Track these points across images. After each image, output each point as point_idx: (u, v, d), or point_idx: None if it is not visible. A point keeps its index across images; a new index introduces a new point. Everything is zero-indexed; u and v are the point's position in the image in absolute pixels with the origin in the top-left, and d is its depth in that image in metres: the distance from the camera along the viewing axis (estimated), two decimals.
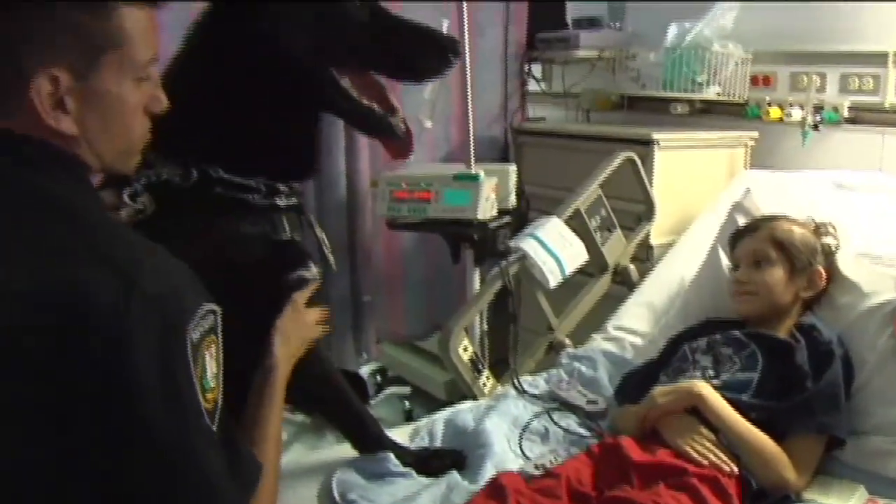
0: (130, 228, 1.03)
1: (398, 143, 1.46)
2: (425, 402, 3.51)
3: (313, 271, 1.38)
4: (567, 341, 2.30)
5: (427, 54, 1.41)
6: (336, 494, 1.60)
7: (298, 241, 1.41)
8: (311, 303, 1.36)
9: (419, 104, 2.49)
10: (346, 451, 1.72)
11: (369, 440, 1.68)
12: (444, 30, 2.52)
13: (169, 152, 1.25)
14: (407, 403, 3.49)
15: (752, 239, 1.92)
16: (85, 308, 0.89)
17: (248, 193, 1.32)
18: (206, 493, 0.96)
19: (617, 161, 2.43)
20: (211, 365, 0.98)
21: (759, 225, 1.96)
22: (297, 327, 1.31)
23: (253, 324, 1.22)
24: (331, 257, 1.50)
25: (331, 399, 1.62)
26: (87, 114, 1.02)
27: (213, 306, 0.99)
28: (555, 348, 2.30)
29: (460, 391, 3.42)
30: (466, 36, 2.50)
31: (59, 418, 0.90)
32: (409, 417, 3.46)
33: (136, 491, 0.94)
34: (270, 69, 1.30)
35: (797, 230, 1.92)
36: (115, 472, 0.92)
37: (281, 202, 1.37)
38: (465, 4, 2.48)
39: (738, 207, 2.18)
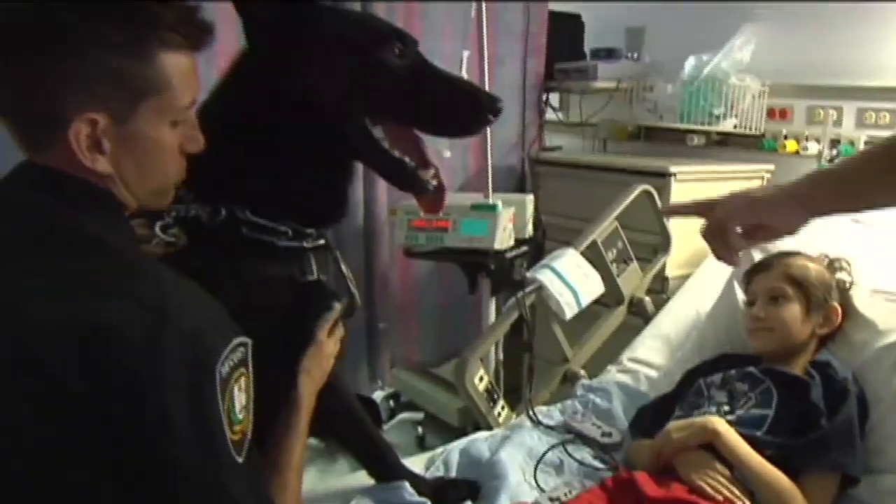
0: (163, 264, 1.03)
1: (429, 197, 1.41)
2: (438, 428, 3.51)
3: (337, 310, 1.37)
4: (582, 372, 2.31)
5: (465, 112, 1.35)
6: None
7: (324, 279, 1.39)
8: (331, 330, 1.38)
9: None
10: (361, 478, 1.73)
11: (386, 469, 1.69)
12: (465, 61, 2.56)
13: (199, 189, 1.25)
14: (420, 429, 3.49)
15: (768, 275, 1.93)
16: (115, 343, 0.90)
17: (274, 236, 1.31)
18: None
19: (634, 193, 2.44)
20: (240, 398, 0.99)
21: (774, 261, 1.96)
22: (319, 361, 1.33)
23: (277, 362, 1.22)
24: (356, 293, 1.49)
25: (348, 428, 1.63)
26: (123, 154, 1.03)
27: (243, 339, 1.00)
28: (569, 379, 2.31)
29: (473, 418, 3.44)
30: (486, 67, 2.53)
31: (85, 453, 0.91)
32: (421, 443, 3.47)
33: None
34: (302, 116, 1.29)
35: (812, 266, 1.93)
36: None
37: (308, 244, 1.36)
38: (485, 36, 2.51)
39: None
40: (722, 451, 1.67)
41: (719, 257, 1.46)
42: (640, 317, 2.47)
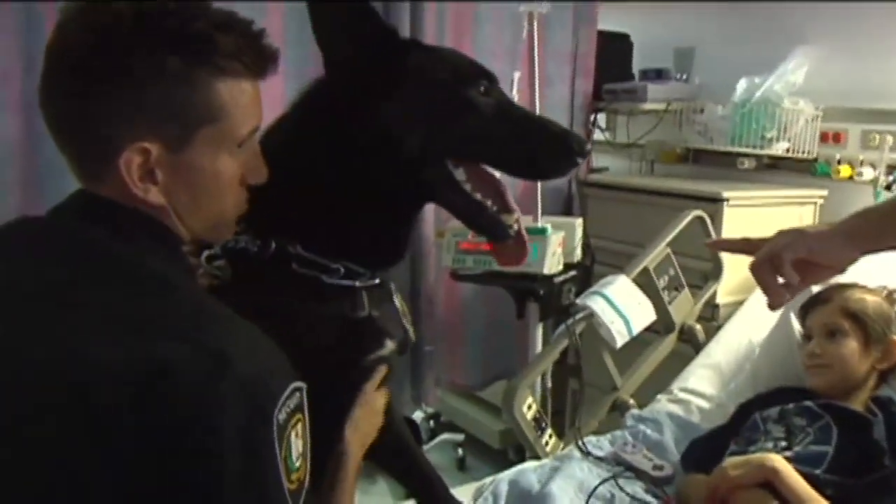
0: (221, 303, 1.00)
1: (509, 248, 1.34)
2: (478, 449, 3.49)
3: (389, 348, 1.32)
4: (631, 401, 2.27)
5: (551, 154, 1.28)
6: None
7: (376, 316, 1.32)
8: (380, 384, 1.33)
9: None
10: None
11: (435, 500, 1.67)
12: (516, 82, 2.54)
13: (250, 220, 1.19)
14: (460, 451, 3.47)
15: (824, 310, 1.89)
16: (173, 387, 0.87)
17: (325, 273, 1.25)
18: None
19: (687, 219, 2.41)
20: (297, 444, 0.96)
21: (831, 295, 1.92)
22: (368, 415, 1.29)
23: (327, 404, 1.15)
24: (411, 329, 1.45)
25: (399, 457, 1.61)
26: (178, 186, 1.00)
27: (300, 383, 0.97)
28: (618, 408, 2.27)
29: (514, 440, 3.43)
30: (537, 88, 2.51)
31: (135, 497, 0.88)
32: (461, 464, 3.45)
33: None
34: (378, 155, 1.24)
35: (870, 299, 1.88)
36: None
37: (360, 283, 1.29)
38: (536, 56, 2.49)
39: None
40: (781, 491, 1.62)
41: (768, 294, 1.42)
42: (690, 344, 2.43)
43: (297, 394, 0.96)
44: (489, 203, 1.29)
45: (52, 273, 0.95)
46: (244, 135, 1.05)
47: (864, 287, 1.92)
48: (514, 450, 3.41)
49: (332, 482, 1.21)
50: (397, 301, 1.41)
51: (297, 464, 0.96)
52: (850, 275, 1.98)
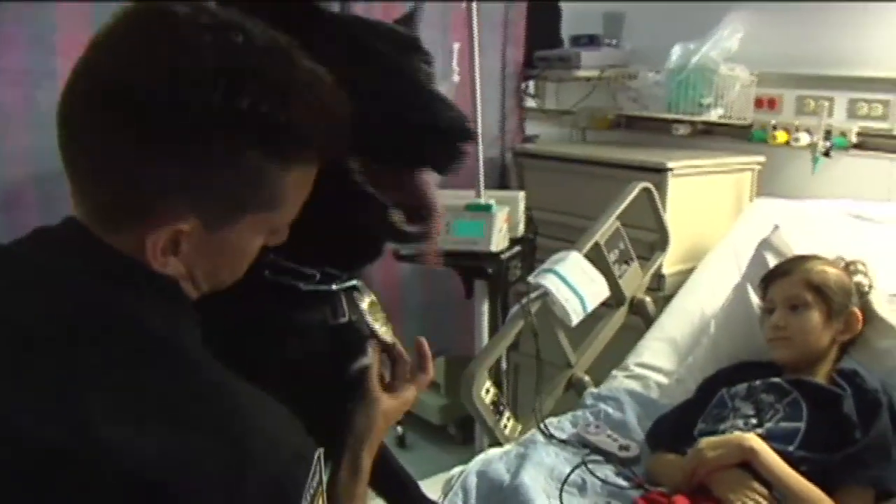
0: (231, 372, 0.86)
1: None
2: (419, 426, 3.44)
3: (371, 356, 1.22)
4: (587, 378, 2.24)
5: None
6: None
7: (356, 320, 1.23)
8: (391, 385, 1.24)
9: None
10: None
11: (409, 502, 1.61)
12: (455, 52, 2.46)
13: None
14: (399, 429, 3.41)
15: (787, 282, 1.88)
16: (193, 485, 0.76)
17: (300, 280, 1.15)
18: None
19: (634, 192, 2.37)
20: None
21: (792, 268, 1.91)
22: (386, 417, 1.19)
23: (319, 415, 1.04)
24: (386, 329, 1.35)
25: (375, 467, 1.54)
26: (200, 258, 0.88)
27: (318, 452, 0.87)
28: (574, 386, 2.24)
29: (454, 416, 3.39)
30: (478, 57, 2.43)
31: None
32: (401, 442, 3.39)
33: None
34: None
35: (832, 272, 1.88)
36: None
37: (337, 286, 1.19)
38: (475, 25, 2.41)
39: (766, 245, 2.14)
40: (759, 470, 1.61)
41: None
42: (640, 317, 2.41)
43: (318, 466, 0.87)
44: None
45: (54, 327, 0.81)
46: (288, 220, 0.94)
47: (823, 259, 1.92)
48: (455, 426, 3.38)
49: (351, 498, 1.12)
50: (365, 304, 1.28)
51: None
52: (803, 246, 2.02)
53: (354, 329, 1.23)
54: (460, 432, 3.37)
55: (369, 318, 1.28)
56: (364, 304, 1.28)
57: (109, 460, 0.74)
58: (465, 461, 1.90)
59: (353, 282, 1.24)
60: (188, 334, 0.89)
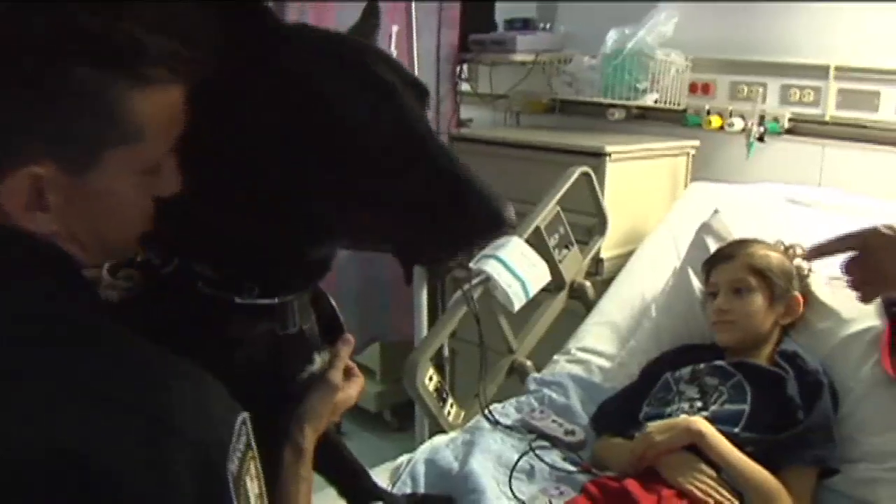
0: (145, 340, 0.82)
1: None
2: (354, 414, 3.38)
3: (318, 364, 1.16)
4: (528, 363, 2.23)
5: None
6: None
7: (307, 328, 1.15)
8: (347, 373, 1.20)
9: None
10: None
11: (360, 492, 1.57)
12: (394, 36, 2.41)
13: (154, 232, 0.97)
14: None
15: (730, 267, 1.89)
16: (116, 456, 0.73)
17: (235, 293, 1.05)
18: None
19: (574, 176, 2.36)
20: (253, 487, 0.84)
21: (734, 251, 1.92)
22: (332, 407, 1.15)
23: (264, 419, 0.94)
24: (343, 324, 1.29)
25: (326, 455, 1.50)
26: (73, 211, 0.82)
27: (243, 416, 0.84)
28: (516, 371, 2.23)
29: (390, 403, 3.36)
30: (415, 40, 2.39)
31: None
32: (337, 429, 3.33)
33: None
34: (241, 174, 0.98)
35: (774, 256, 1.90)
36: None
37: (280, 299, 1.10)
38: (413, 6, 2.36)
39: (706, 229, 2.15)
40: (707, 453, 1.63)
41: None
42: (580, 302, 2.41)
43: (244, 429, 0.84)
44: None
45: None
46: (162, 155, 0.87)
47: (764, 243, 1.94)
48: (391, 412, 3.34)
49: (295, 478, 1.09)
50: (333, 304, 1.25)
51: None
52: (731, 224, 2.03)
53: (304, 339, 1.16)
54: (396, 419, 3.34)
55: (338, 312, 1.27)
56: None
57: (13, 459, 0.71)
58: (403, 448, 1.88)
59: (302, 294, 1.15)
60: (86, 305, 0.85)
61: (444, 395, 2.07)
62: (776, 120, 2.65)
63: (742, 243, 1.94)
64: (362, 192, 0.97)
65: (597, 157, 2.50)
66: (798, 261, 1.94)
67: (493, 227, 0.98)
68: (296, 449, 1.10)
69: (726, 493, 1.57)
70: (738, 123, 2.69)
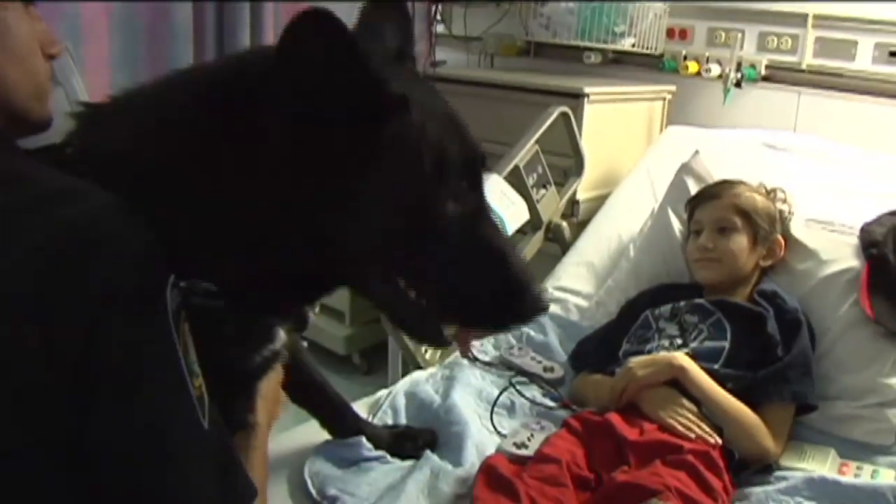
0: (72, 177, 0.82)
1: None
2: (323, 357, 3.37)
3: (282, 339, 1.07)
4: None
5: (503, 307, 0.96)
6: (312, 490, 1.47)
7: None
8: None
9: None
10: (310, 433, 1.60)
11: (344, 425, 1.57)
12: None
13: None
14: None
15: (715, 205, 1.89)
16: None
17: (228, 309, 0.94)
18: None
19: (553, 116, 2.34)
20: (191, 348, 0.82)
21: (720, 191, 1.92)
22: (274, 384, 1.16)
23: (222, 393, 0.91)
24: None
25: (309, 393, 1.51)
26: None
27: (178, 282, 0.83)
28: None
29: (359, 346, 3.34)
30: None
31: (39, 412, 0.74)
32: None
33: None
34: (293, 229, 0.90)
35: (759, 198, 1.91)
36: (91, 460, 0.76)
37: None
38: None
39: (687, 170, 2.15)
40: (688, 388, 1.64)
41: None
42: (556, 242, 2.41)
43: (176, 290, 0.82)
44: (424, 303, 0.96)
45: None
46: None
47: (749, 185, 1.94)
48: (360, 355, 3.33)
49: (249, 449, 1.08)
50: None
51: (196, 369, 0.82)
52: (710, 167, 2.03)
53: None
54: (365, 362, 3.33)
55: None
56: None
57: None
58: (372, 391, 1.86)
59: None
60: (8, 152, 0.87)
61: None
62: (753, 66, 2.65)
63: (728, 183, 1.95)
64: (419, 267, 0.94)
65: (575, 98, 2.48)
66: (779, 204, 1.95)
67: (533, 314, 0.97)
68: (248, 424, 1.09)
69: (706, 427, 1.58)
70: (715, 69, 2.69)
